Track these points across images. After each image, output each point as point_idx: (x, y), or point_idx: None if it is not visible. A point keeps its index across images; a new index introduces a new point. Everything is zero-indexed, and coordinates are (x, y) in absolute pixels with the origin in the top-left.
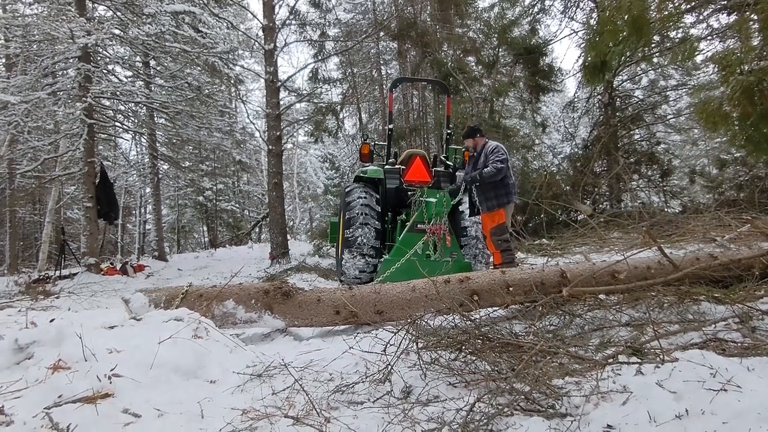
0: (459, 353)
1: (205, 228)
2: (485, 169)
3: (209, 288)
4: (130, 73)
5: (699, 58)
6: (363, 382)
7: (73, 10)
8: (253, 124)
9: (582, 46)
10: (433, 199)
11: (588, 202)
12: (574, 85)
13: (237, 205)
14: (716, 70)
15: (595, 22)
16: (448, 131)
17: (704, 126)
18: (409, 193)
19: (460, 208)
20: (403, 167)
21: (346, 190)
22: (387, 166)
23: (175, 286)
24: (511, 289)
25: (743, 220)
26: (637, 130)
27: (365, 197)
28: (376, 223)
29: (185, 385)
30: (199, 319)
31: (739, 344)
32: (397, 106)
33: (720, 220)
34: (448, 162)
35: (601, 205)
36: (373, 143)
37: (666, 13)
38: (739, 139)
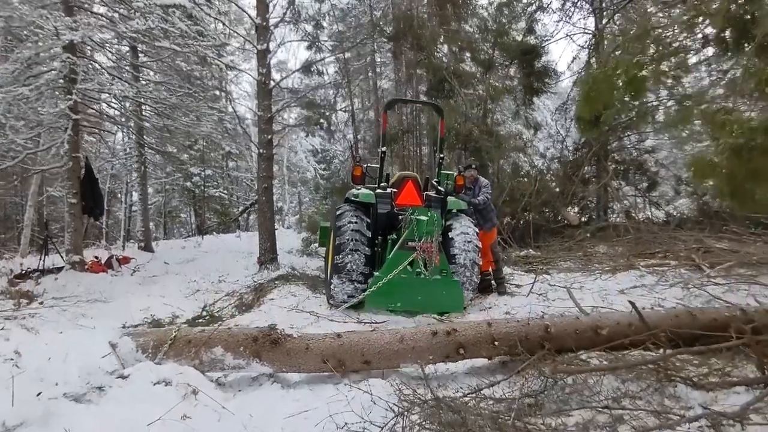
0: None
1: (193, 213)
2: (480, 198)
3: (198, 333)
4: (115, 65)
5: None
6: None
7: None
8: (243, 128)
9: (581, 46)
10: (424, 217)
11: (575, 209)
12: (567, 87)
13: (225, 191)
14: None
15: (593, 74)
16: (441, 155)
17: (694, 178)
18: (400, 217)
19: (450, 234)
20: (395, 190)
21: (337, 212)
22: (379, 190)
23: (164, 329)
24: (496, 342)
25: (725, 250)
26: (627, 135)
27: (356, 222)
28: (366, 249)
29: None
30: (187, 382)
31: None
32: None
33: (702, 242)
34: (439, 187)
35: (587, 215)
36: (365, 166)
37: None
38: (725, 193)
